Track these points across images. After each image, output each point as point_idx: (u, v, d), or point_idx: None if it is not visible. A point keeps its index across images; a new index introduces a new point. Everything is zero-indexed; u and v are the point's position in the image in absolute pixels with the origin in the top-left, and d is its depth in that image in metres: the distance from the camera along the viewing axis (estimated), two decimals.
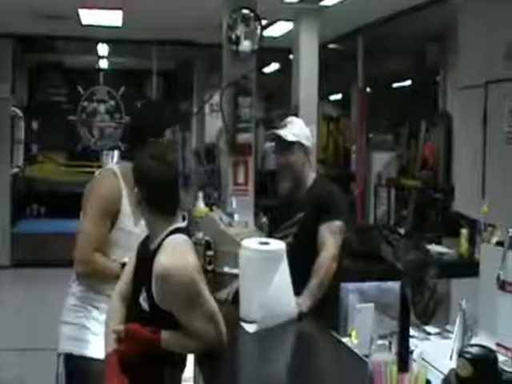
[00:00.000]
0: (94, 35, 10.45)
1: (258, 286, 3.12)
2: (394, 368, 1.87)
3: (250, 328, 3.05)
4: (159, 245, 2.62)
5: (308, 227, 3.62)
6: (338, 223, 3.59)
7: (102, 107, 15.57)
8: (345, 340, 4.67)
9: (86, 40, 11.02)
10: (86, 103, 15.47)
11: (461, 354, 1.69)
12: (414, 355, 3.56)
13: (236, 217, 4.65)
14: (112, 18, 8.69)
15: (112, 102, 15.56)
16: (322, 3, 7.48)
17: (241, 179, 5.87)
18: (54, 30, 10.10)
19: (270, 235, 3.77)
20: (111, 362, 2.57)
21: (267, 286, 3.06)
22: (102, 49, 13.04)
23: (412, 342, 4.68)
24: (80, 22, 8.92)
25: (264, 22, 8.82)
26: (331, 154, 15.64)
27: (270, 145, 12.11)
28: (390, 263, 4.61)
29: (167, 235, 2.64)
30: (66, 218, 5.93)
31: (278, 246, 3.24)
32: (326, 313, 3.46)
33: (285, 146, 3.73)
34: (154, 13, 8.31)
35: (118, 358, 2.56)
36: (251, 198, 5.85)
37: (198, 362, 2.78)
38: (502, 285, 3.17)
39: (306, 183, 3.79)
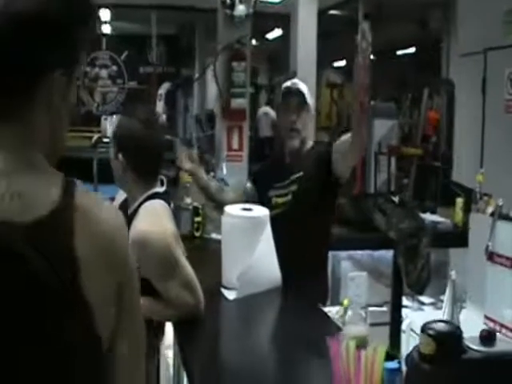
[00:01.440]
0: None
1: (239, 253, 3.07)
2: (352, 344, 1.81)
3: (230, 295, 3.00)
4: (136, 210, 2.58)
5: (308, 185, 3.49)
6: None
7: (104, 72, 15.48)
8: (336, 309, 4.67)
9: None
10: (88, 68, 15.36)
11: (423, 329, 1.63)
12: (404, 326, 3.52)
13: (227, 182, 4.58)
14: None
15: (114, 67, 15.47)
16: None
17: (235, 145, 5.80)
18: None
19: (258, 200, 3.67)
20: None
21: (249, 252, 3.01)
22: (104, 14, 12.92)
23: (405, 312, 4.68)
24: None
25: None
26: (335, 121, 15.57)
27: (263, 111, 11.97)
28: (383, 232, 4.54)
29: (144, 200, 2.60)
30: None
31: (261, 212, 3.17)
32: (312, 284, 3.40)
33: (301, 102, 3.54)
34: None
35: None
36: (245, 164, 5.78)
37: (175, 330, 2.73)
38: (491, 256, 3.11)
39: (307, 145, 3.64)
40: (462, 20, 6.35)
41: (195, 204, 4.25)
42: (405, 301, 4.87)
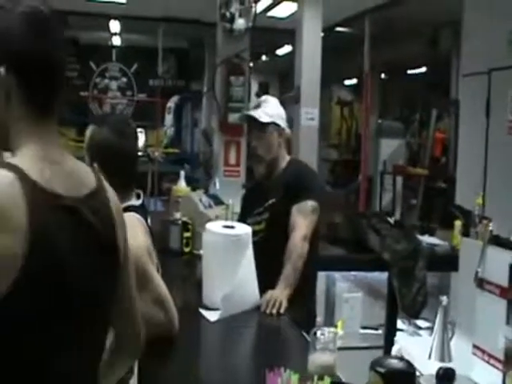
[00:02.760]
0: (99, 11, 10.29)
1: (221, 272, 2.97)
2: (295, 378, 1.69)
3: (212, 316, 2.89)
4: None
5: (280, 213, 3.43)
6: (310, 203, 3.38)
7: (114, 84, 15.50)
8: (329, 330, 4.56)
9: (90, 15, 10.86)
10: (98, 79, 15.39)
11: (372, 366, 1.50)
12: (393, 352, 3.40)
13: (220, 198, 4.50)
14: None
15: (124, 79, 15.49)
16: None
17: (232, 160, 5.71)
18: (60, 5, 9.94)
19: (242, 221, 3.62)
20: None
21: (231, 272, 2.90)
22: (114, 26, 12.92)
23: (399, 337, 4.55)
24: None
25: (269, 2, 8.70)
26: (344, 139, 15.49)
27: None
28: (377, 253, 4.43)
29: None
30: None
31: (243, 229, 3.07)
32: (297, 303, 3.29)
33: (258, 127, 3.51)
34: None
35: None
36: (242, 179, 5.68)
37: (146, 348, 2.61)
38: (480, 282, 2.99)
39: (280, 166, 3.59)
40: (466, 39, 6.25)
41: (184, 219, 4.15)
42: (400, 324, 4.76)
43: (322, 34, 7.90)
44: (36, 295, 1.32)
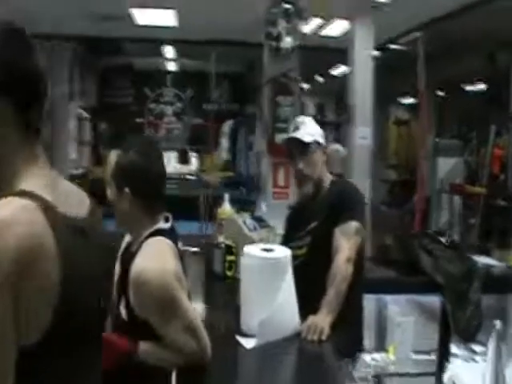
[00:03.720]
0: (150, 36, 10.35)
1: (259, 297, 2.86)
2: None
3: (248, 343, 2.77)
4: (139, 247, 2.41)
5: (322, 236, 3.33)
6: (353, 224, 3.29)
7: (169, 109, 15.58)
8: (380, 356, 4.39)
9: (143, 41, 10.94)
10: (153, 105, 15.50)
11: None
12: (445, 379, 3.26)
13: (266, 221, 4.39)
14: (166, 18, 8.56)
15: (179, 104, 15.56)
16: None
17: (281, 182, 5.60)
18: (110, 31, 10.05)
19: (285, 244, 3.53)
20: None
21: (269, 296, 2.79)
22: (168, 51, 13.00)
23: (455, 362, 4.35)
24: (134, 23, 8.84)
25: (319, 21, 8.60)
26: (402, 159, 15.22)
27: (333, 148, 11.82)
28: (429, 275, 4.26)
29: (147, 237, 2.43)
30: None
31: (282, 253, 2.95)
32: (341, 329, 3.15)
33: (302, 148, 3.47)
34: (207, 13, 8.12)
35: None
36: (291, 201, 5.55)
37: (177, 380, 2.51)
38: None
39: (325, 186, 3.53)
40: None
41: (228, 242, 4.05)
42: (454, 349, 4.56)
43: (375, 52, 7.79)
44: (72, 321, 1.33)
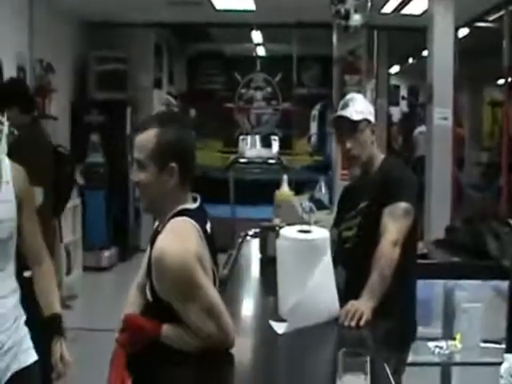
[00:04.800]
0: (231, 21, 10.34)
1: (293, 281, 2.75)
2: None
3: (280, 328, 2.68)
4: (163, 227, 2.37)
5: (372, 217, 3.18)
6: (402, 205, 3.10)
7: (259, 94, 15.57)
8: (445, 344, 4.23)
9: (224, 26, 10.95)
10: (243, 90, 15.52)
11: None
12: (502, 370, 3.08)
13: (325, 203, 4.30)
14: (244, 2, 8.51)
15: (269, 89, 15.52)
16: None
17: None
18: (193, 17, 10.10)
19: (336, 226, 3.42)
20: (117, 356, 2.35)
21: (305, 280, 2.69)
22: (256, 36, 12.98)
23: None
24: (215, 8, 8.85)
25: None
26: (497, 142, 14.73)
27: (420, 130, 11.51)
28: (497, 259, 4.07)
29: (172, 216, 2.37)
30: (214, 203, 5.67)
31: (320, 234, 2.84)
32: (387, 315, 3.02)
33: (350, 126, 3.30)
34: None
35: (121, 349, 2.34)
36: None
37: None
38: None
39: (375, 166, 3.36)
40: None
41: (282, 225, 3.96)
42: None
43: (463, 30, 7.54)
44: None
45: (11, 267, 2.68)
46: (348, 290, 3.04)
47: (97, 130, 9.35)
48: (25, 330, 2.75)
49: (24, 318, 2.75)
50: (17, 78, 6.57)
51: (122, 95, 9.81)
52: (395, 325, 3.11)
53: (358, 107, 3.32)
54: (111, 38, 9.91)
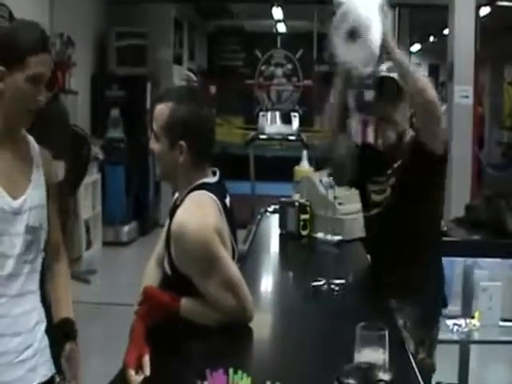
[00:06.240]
0: None
1: None
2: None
3: None
4: (182, 200, 2.36)
5: (409, 176, 3.03)
6: None
7: (279, 71, 15.53)
8: (464, 322, 4.22)
9: (243, 1, 10.86)
10: (263, 67, 15.48)
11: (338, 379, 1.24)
12: None
13: None
14: None
15: (289, 66, 15.47)
16: None
17: (370, 139, 5.42)
18: None
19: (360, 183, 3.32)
20: (136, 328, 2.35)
21: None
22: (277, 12, 12.90)
23: None
24: None
25: None
26: None
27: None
28: None
29: (191, 190, 2.37)
30: (234, 179, 5.64)
31: None
32: (415, 290, 3.03)
33: (394, 92, 3.04)
34: None
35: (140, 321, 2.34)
36: None
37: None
38: None
39: (405, 140, 3.14)
40: None
41: (302, 201, 3.97)
42: None
43: (484, 9, 7.46)
44: None
45: (39, 263, 2.42)
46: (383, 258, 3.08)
47: (117, 104, 9.34)
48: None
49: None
50: None
51: (142, 70, 9.80)
52: (422, 299, 3.09)
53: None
54: (132, 13, 9.89)
